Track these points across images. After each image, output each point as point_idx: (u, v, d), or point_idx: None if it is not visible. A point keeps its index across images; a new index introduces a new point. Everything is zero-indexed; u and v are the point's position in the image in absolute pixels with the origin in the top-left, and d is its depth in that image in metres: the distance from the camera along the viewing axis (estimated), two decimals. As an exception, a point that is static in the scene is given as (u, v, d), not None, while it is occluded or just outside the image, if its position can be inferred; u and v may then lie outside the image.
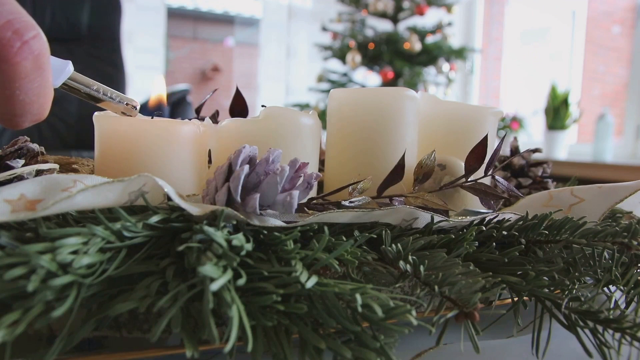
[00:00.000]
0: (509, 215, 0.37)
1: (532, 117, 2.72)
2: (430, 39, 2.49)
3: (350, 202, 0.34)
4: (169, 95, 1.75)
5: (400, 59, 2.40)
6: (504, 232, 0.34)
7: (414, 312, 0.23)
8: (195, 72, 5.19)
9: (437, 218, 0.34)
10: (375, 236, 0.32)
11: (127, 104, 0.36)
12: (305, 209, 0.34)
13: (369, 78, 2.77)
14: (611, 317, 0.28)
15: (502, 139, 0.41)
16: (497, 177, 0.41)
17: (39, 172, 0.34)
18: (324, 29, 2.62)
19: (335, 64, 2.70)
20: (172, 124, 0.37)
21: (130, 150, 0.36)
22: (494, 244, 0.33)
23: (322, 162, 0.49)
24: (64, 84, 0.33)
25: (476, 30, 3.15)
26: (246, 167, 0.30)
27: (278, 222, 0.30)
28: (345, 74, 2.65)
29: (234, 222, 0.28)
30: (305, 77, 3.33)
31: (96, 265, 0.23)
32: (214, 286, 0.21)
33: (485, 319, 0.30)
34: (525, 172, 0.55)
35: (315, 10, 3.39)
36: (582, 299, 0.29)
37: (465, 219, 0.36)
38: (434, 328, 0.24)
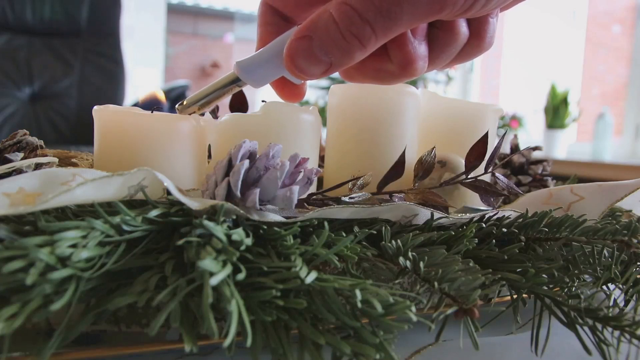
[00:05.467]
0: (509, 212, 0.37)
1: (531, 116, 2.72)
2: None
3: (350, 198, 0.34)
4: (169, 91, 1.75)
5: (400, 57, 2.39)
6: (504, 230, 0.34)
7: (413, 309, 0.23)
8: (194, 68, 5.18)
9: (437, 215, 0.34)
10: (375, 232, 0.32)
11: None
12: (305, 204, 0.34)
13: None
14: (610, 314, 0.28)
15: (503, 137, 0.41)
16: (497, 174, 0.41)
17: (38, 166, 0.34)
18: (324, 25, 2.61)
19: (335, 61, 2.69)
20: (172, 119, 0.37)
21: (130, 144, 0.36)
22: (494, 241, 0.33)
23: (322, 159, 0.49)
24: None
25: (476, 28, 3.14)
26: (246, 162, 0.30)
27: (278, 217, 0.30)
28: (345, 71, 2.64)
29: (234, 217, 0.28)
30: (304, 74, 3.32)
31: (95, 259, 0.23)
32: (214, 281, 0.21)
33: (485, 316, 0.30)
34: (525, 169, 0.55)
35: (316, 7, 3.38)
36: (582, 296, 0.29)
37: (465, 215, 0.36)
38: (434, 324, 0.24)
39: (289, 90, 0.36)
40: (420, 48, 0.31)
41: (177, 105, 0.34)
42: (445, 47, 0.31)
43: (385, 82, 0.33)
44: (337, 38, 0.28)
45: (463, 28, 0.31)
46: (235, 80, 0.33)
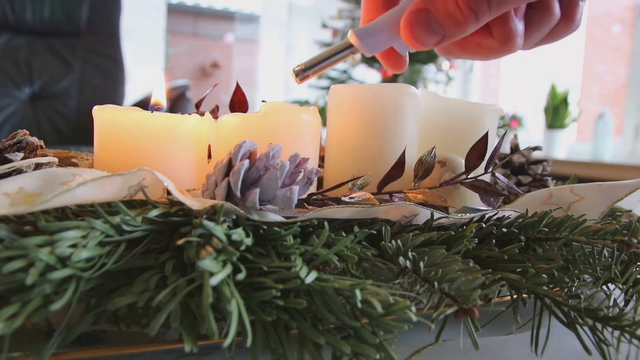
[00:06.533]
0: (509, 212, 0.37)
1: (531, 116, 2.72)
2: (430, 37, 2.48)
3: (350, 198, 0.34)
4: (169, 91, 1.75)
5: (400, 57, 2.39)
6: (504, 230, 0.34)
7: (413, 309, 0.23)
8: (194, 68, 5.17)
9: (437, 215, 0.34)
10: (375, 232, 0.32)
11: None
12: (305, 204, 0.34)
13: (369, 75, 2.76)
14: (610, 314, 0.28)
15: (503, 137, 0.41)
16: (497, 174, 0.41)
17: (38, 166, 0.34)
18: (324, 25, 2.61)
19: (335, 61, 2.68)
20: (172, 119, 0.37)
21: (130, 144, 0.36)
22: (494, 241, 0.33)
23: (322, 159, 0.49)
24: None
25: (476, 28, 3.14)
26: (246, 162, 0.30)
27: (278, 217, 0.30)
28: (345, 71, 2.64)
29: (234, 217, 0.28)
30: (305, 74, 3.32)
31: (95, 259, 0.23)
32: (214, 281, 0.21)
33: (485, 316, 0.30)
34: (525, 169, 0.55)
35: (316, 7, 3.39)
36: (582, 296, 0.29)
37: (465, 215, 0.36)
38: (434, 324, 0.24)
39: (395, 60, 0.39)
40: (519, 26, 0.34)
41: (293, 68, 0.36)
42: (540, 25, 0.35)
43: (483, 57, 0.37)
44: (455, 11, 0.31)
45: (556, 9, 0.34)
46: (350, 47, 0.35)
